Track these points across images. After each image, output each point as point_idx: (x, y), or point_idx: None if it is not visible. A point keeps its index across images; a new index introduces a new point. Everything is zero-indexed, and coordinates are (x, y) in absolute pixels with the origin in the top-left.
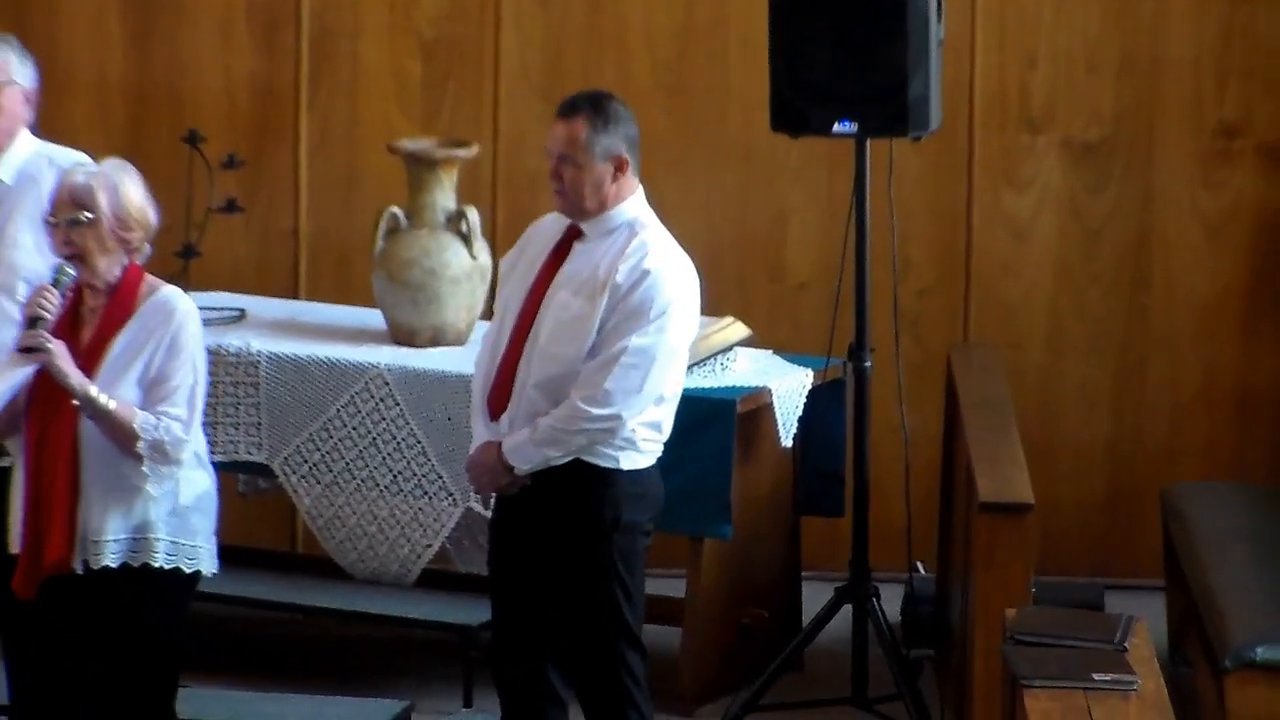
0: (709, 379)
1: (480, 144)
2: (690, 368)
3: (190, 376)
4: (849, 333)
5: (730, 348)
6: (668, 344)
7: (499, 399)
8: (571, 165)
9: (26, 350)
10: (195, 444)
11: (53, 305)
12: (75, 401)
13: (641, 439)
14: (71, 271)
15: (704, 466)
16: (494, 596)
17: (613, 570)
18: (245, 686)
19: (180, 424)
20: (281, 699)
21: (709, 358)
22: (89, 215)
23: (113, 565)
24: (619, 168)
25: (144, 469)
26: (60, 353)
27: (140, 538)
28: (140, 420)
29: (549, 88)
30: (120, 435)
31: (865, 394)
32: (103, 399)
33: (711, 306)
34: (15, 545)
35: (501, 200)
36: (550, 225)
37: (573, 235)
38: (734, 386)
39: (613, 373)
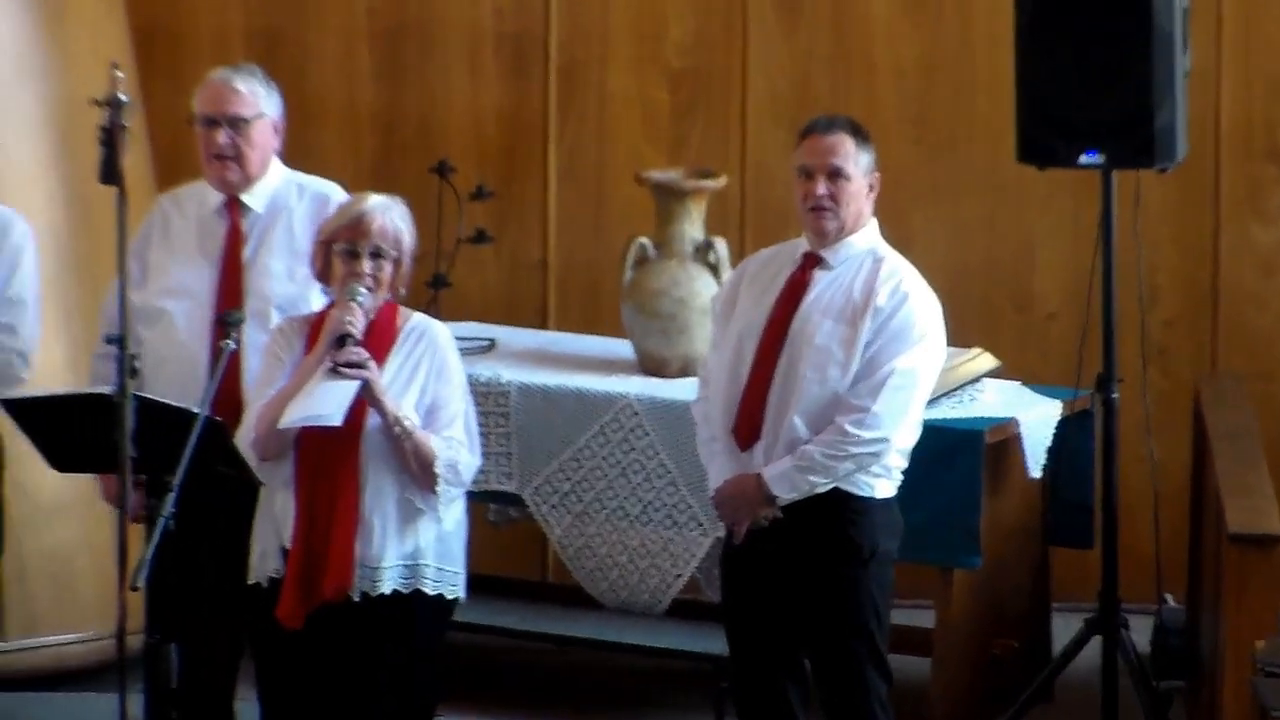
0: (957, 410)
1: (728, 175)
2: (938, 398)
3: (462, 401)
4: (1097, 363)
5: (978, 378)
6: (928, 367)
7: (748, 430)
8: (841, 177)
9: (348, 366)
10: None
11: (359, 323)
12: (391, 423)
13: (895, 466)
14: (364, 292)
15: (952, 497)
16: (733, 626)
17: (868, 599)
18: (498, 716)
19: (465, 447)
20: None
21: (957, 388)
22: (395, 253)
23: (387, 593)
24: (871, 187)
25: (437, 491)
26: (376, 370)
27: (412, 564)
28: (435, 443)
29: (796, 118)
30: (420, 458)
31: (1113, 425)
32: (408, 420)
33: (959, 337)
34: (260, 573)
35: (749, 231)
36: (771, 259)
37: (811, 264)
38: (982, 417)
39: (881, 395)
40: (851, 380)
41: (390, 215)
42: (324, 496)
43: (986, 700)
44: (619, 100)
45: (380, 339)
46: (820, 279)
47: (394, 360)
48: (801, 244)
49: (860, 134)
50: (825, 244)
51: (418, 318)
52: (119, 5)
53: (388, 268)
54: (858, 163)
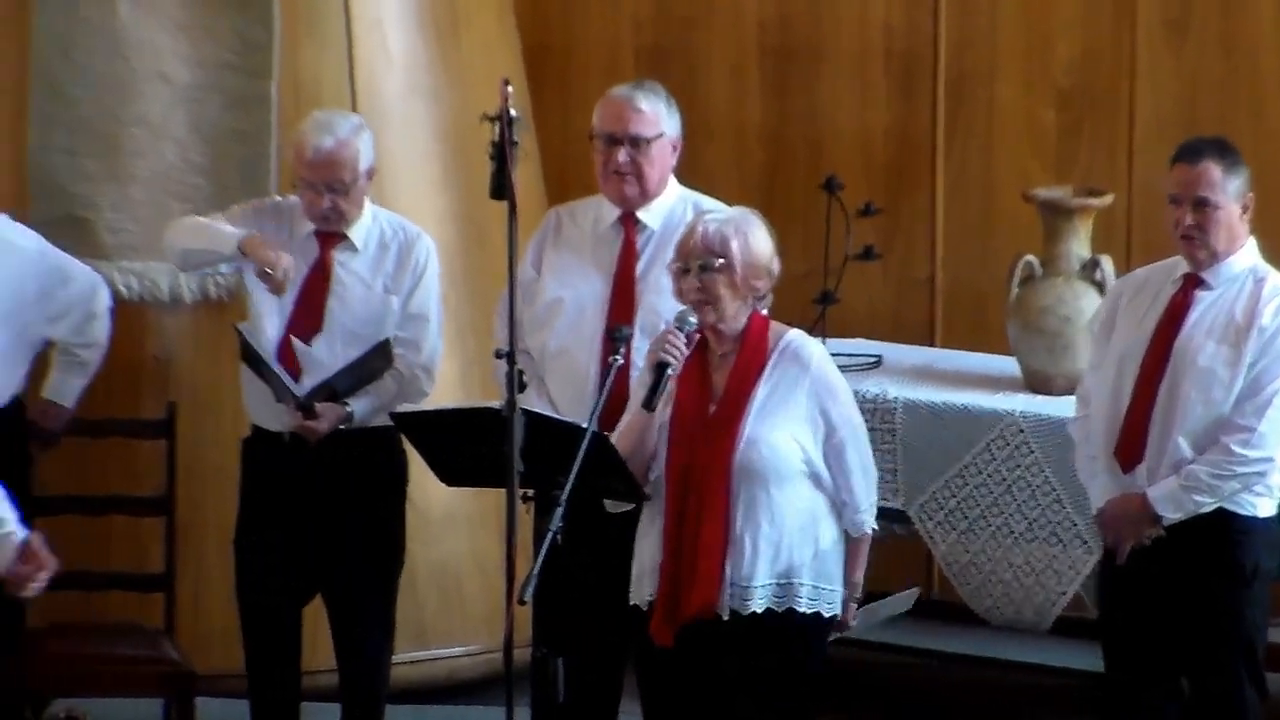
0: None
1: (1115, 192)
2: None
3: (855, 415)
4: None
5: None
6: None
7: (1131, 451)
8: (1208, 207)
9: (647, 405)
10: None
11: (679, 350)
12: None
13: (1277, 484)
14: (693, 320)
15: None
16: (1112, 644)
17: (1249, 618)
18: None
19: (861, 470)
20: None
21: None
22: (721, 261)
23: (759, 611)
24: (1245, 209)
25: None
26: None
27: (786, 582)
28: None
29: (1184, 137)
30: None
31: None
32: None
33: None
34: (639, 594)
35: (1135, 249)
36: (1148, 279)
37: (1192, 285)
38: None
39: (1266, 415)
40: (1235, 400)
41: (725, 225)
42: (692, 515)
43: None
44: (1006, 117)
45: (752, 357)
46: (1202, 300)
47: (769, 378)
48: (1179, 264)
49: (1229, 158)
50: (1202, 267)
51: (791, 334)
52: (512, 23)
53: (718, 279)
54: (1225, 189)
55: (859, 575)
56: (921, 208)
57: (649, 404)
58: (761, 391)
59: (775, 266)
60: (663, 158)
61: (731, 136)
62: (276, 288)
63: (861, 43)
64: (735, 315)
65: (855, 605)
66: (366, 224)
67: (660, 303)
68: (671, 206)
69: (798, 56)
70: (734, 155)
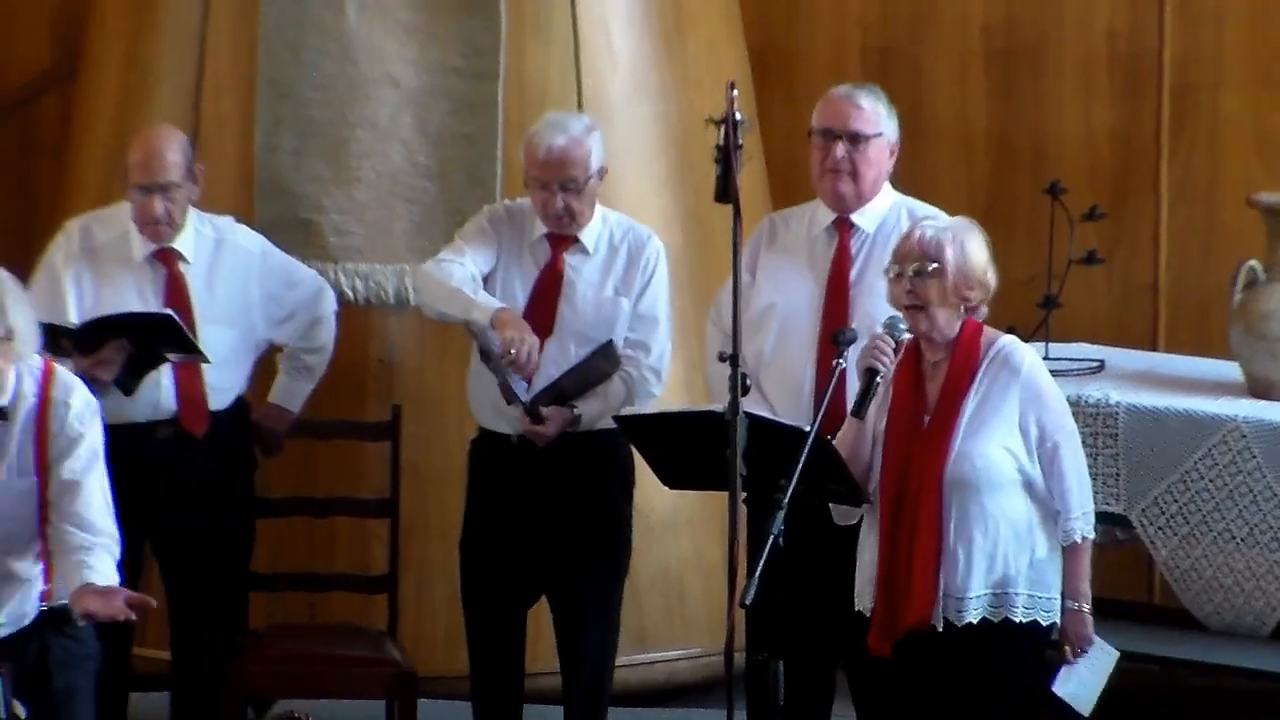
0: None
1: None
2: None
3: (1068, 421)
4: None
5: None
6: None
7: None
8: None
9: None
10: None
11: (889, 358)
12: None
13: None
14: (903, 325)
15: None
16: None
17: None
18: None
19: (1074, 477)
20: None
21: None
22: (935, 266)
23: (974, 622)
24: None
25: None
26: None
27: (1001, 592)
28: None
29: None
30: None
31: None
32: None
33: None
34: (861, 603)
35: None
36: None
37: None
38: None
39: None
40: None
41: (941, 233)
42: (906, 527)
43: None
44: (1232, 122)
45: (963, 366)
46: None
47: (979, 387)
48: None
49: None
50: None
51: (1003, 340)
52: (738, 24)
53: (930, 285)
54: None
55: (1084, 584)
56: (1145, 212)
57: (858, 411)
58: (972, 401)
59: (990, 279)
60: (880, 158)
61: (956, 140)
62: (518, 370)
63: (1085, 47)
64: (947, 323)
65: (1089, 615)
66: (597, 227)
67: (875, 307)
68: (886, 211)
69: (1022, 60)
70: (958, 159)
